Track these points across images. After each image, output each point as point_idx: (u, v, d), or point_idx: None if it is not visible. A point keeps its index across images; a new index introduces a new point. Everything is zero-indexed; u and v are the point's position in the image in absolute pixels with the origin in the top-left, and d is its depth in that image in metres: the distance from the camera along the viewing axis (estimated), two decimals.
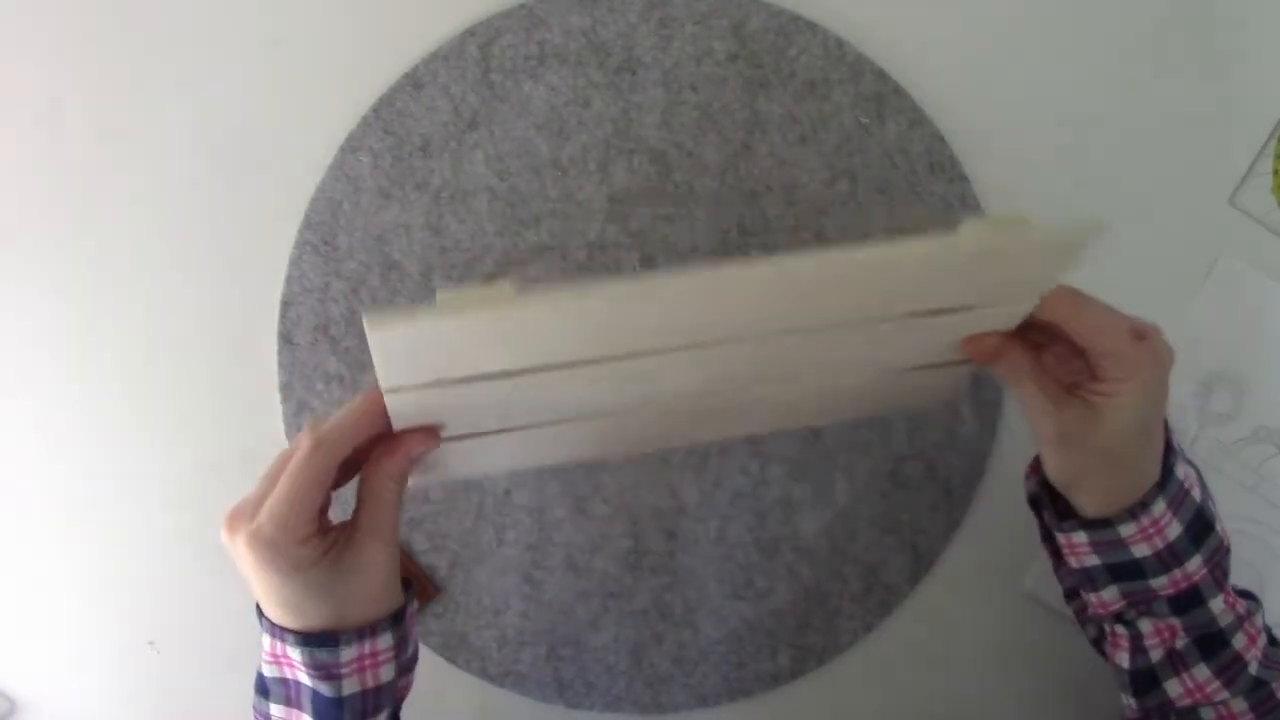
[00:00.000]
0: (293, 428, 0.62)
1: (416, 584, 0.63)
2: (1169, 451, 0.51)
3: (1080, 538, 0.52)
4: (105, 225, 0.62)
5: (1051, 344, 0.52)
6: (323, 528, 0.47)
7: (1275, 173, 0.66)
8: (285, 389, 0.63)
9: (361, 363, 0.62)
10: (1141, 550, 0.51)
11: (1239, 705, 0.52)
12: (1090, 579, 0.53)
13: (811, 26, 0.64)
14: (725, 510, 0.64)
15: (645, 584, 0.65)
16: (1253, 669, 0.52)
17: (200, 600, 0.64)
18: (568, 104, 0.63)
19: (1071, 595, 0.58)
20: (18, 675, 0.64)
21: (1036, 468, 0.55)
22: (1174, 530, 0.51)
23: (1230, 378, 0.66)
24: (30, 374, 0.62)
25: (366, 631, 0.47)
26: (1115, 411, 0.49)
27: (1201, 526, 0.51)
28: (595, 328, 0.42)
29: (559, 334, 0.42)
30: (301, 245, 0.62)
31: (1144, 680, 0.54)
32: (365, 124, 0.62)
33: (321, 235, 0.62)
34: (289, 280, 0.62)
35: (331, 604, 0.46)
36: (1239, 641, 0.52)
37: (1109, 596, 0.53)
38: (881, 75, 0.64)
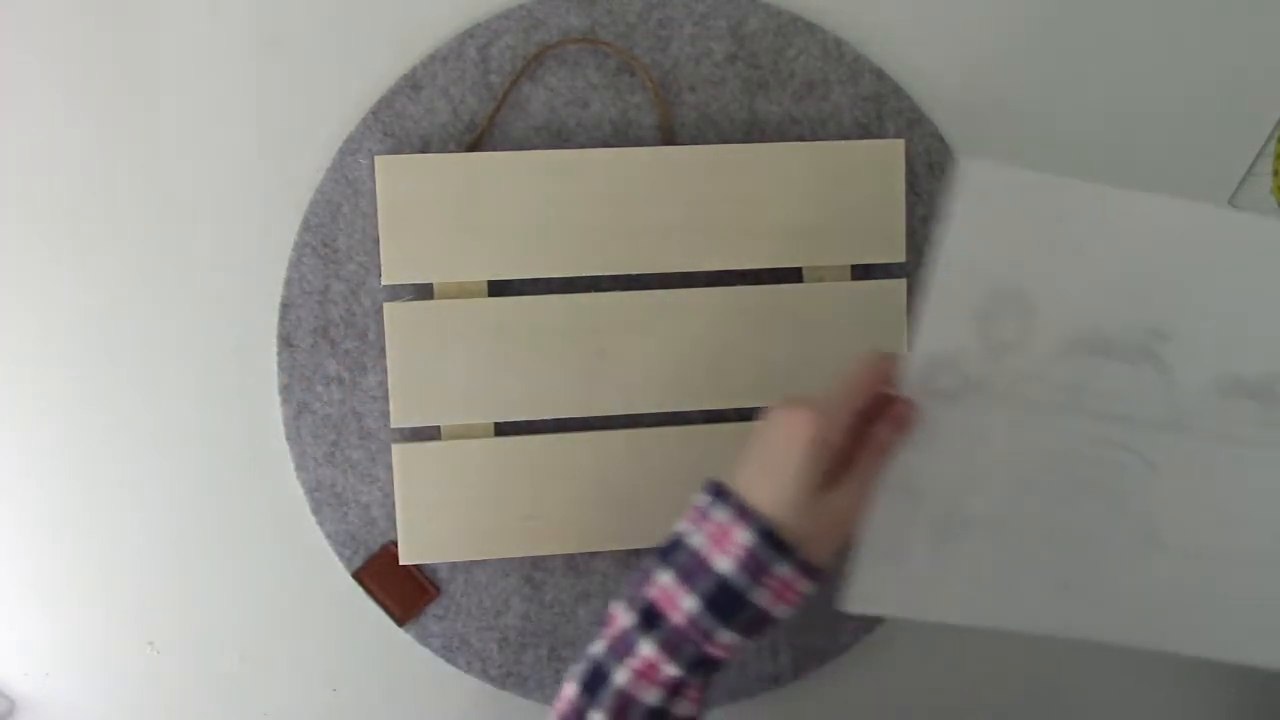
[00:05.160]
0: (293, 430, 0.63)
1: (416, 585, 0.64)
2: None
3: None
4: (104, 227, 0.62)
5: None
6: (847, 444, 0.49)
7: (1275, 173, 0.66)
8: (285, 391, 0.63)
9: (361, 364, 0.63)
10: None
11: None
12: None
13: (810, 27, 0.64)
14: None
15: None
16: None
17: (200, 600, 0.64)
18: (566, 105, 0.63)
19: None
20: (18, 675, 0.64)
21: None
22: None
23: (1009, 299, 0.54)
24: (30, 375, 0.62)
25: (805, 566, 0.47)
26: None
27: None
28: None
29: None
30: (301, 247, 0.62)
31: None
32: (364, 126, 0.62)
33: (321, 237, 0.62)
34: (288, 283, 0.62)
35: (804, 520, 0.47)
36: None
37: None
38: (880, 75, 0.64)
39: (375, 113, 0.62)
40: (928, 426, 0.52)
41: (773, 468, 0.48)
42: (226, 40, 0.62)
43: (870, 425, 0.49)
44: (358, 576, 0.64)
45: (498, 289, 0.62)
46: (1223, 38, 0.66)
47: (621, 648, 0.48)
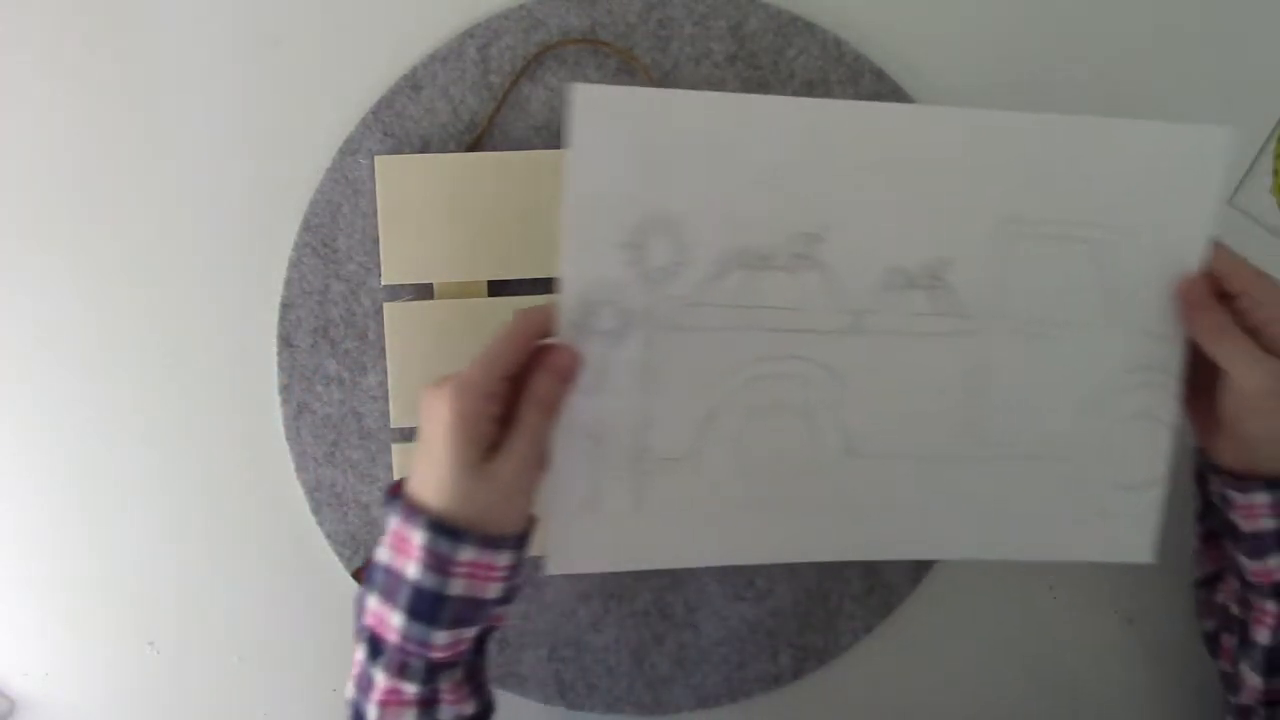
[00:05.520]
0: (292, 429, 0.63)
1: None
2: None
3: (1261, 498, 0.53)
4: (104, 227, 0.62)
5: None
6: (503, 408, 0.48)
7: (1275, 173, 0.66)
8: (285, 391, 0.63)
9: (361, 364, 0.63)
10: None
11: None
12: (1258, 546, 0.53)
13: (810, 27, 0.64)
14: None
15: (646, 584, 0.65)
16: None
17: (200, 600, 0.64)
18: (567, 105, 0.63)
19: (1205, 583, 0.59)
20: (18, 675, 0.64)
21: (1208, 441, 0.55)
22: None
23: (653, 224, 0.50)
24: (30, 375, 0.62)
25: (489, 541, 0.46)
26: None
27: None
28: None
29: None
30: (301, 247, 0.62)
31: (1278, 659, 0.54)
32: (364, 126, 0.62)
33: (321, 237, 0.62)
34: (288, 283, 0.62)
35: (469, 499, 0.46)
36: None
37: (1275, 564, 0.53)
38: (880, 75, 0.64)
39: (375, 113, 0.62)
40: (596, 369, 0.49)
41: (428, 456, 0.47)
42: (226, 40, 0.62)
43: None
44: (358, 576, 0.64)
45: (498, 289, 0.62)
46: (1223, 37, 0.66)
47: (364, 684, 0.48)
